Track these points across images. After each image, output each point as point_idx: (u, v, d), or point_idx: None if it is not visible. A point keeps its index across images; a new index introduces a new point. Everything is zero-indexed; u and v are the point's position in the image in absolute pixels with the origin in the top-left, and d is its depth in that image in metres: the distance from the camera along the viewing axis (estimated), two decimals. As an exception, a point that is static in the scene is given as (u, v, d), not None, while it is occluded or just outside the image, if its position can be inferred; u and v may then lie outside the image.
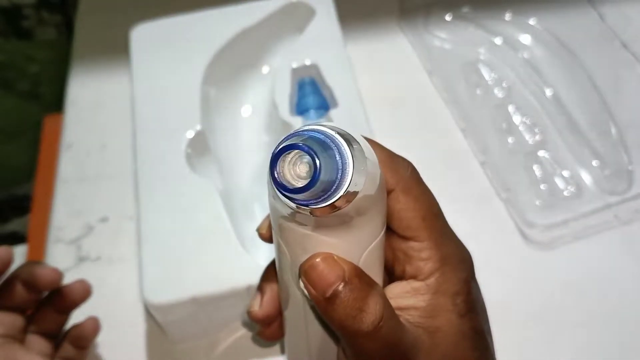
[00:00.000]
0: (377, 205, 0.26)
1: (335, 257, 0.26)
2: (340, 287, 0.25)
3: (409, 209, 0.28)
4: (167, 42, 0.54)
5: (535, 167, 0.51)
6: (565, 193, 0.49)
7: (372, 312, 0.26)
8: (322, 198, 0.23)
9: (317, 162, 0.22)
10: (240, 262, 0.41)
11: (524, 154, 0.52)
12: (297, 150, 0.22)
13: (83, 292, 0.40)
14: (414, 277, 0.28)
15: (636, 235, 0.48)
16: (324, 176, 0.22)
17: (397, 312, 0.27)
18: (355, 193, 0.23)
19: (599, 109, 0.54)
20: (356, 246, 0.27)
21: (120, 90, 0.59)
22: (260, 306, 0.31)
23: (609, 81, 0.56)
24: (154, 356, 0.45)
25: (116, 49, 0.61)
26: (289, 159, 0.23)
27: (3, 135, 0.98)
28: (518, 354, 0.43)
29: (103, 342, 0.45)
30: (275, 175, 0.22)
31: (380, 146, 0.28)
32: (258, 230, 0.32)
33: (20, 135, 0.97)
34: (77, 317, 0.42)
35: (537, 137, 0.53)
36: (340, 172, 0.23)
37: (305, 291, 0.26)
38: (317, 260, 0.26)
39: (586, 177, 0.50)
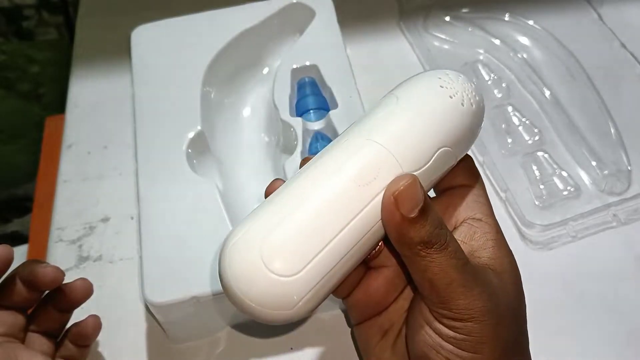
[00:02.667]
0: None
1: (419, 182, 0.28)
2: (421, 209, 0.28)
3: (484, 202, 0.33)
4: (167, 43, 0.54)
5: (534, 168, 0.51)
6: (564, 193, 0.50)
7: (444, 231, 0.29)
8: None
9: None
10: (240, 261, 0.41)
11: (523, 154, 0.52)
12: None
13: (84, 291, 0.40)
14: (470, 217, 0.32)
15: (635, 235, 0.48)
16: None
17: (468, 255, 0.30)
18: None
19: (598, 110, 0.54)
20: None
21: (121, 90, 0.59)
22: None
23: (608, 82, 0.56)
24: (155, 356, 0.45)
25: (117, 50, 0.61)
26: None
27: (4, 135, 0.98)
28: (517, 354, 0.43)
29: (104, 342, 0.45)
30: None
31: None
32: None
33: (22, 135, 0.97)
34: (78, 316, 0.42)
35: (536, 138, 0.53)
36: None
37: (388, 212, 0.27)
38: (406, 184, 0.28)
39: (585, 178, 0.51)
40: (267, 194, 0.31)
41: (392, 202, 0.27)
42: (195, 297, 0.40)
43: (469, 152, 0.33)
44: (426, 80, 0.32)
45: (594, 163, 0.51)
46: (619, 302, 0.45)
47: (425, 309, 0.30)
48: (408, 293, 0.34)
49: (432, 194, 0.34)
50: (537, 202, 0.49)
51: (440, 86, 0.31)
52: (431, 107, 0.30)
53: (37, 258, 0.41)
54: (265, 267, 0.26)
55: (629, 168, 0.50)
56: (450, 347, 0.29)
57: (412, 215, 0.27)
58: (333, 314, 0.46)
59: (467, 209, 0.32)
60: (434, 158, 0.29)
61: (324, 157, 0.29)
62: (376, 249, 0.31)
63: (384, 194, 0.28)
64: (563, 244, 0.48)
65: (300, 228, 0.27)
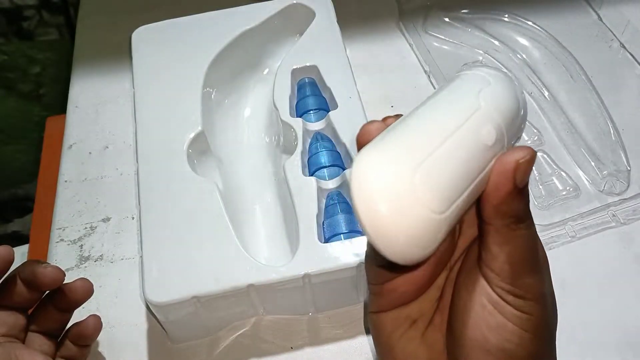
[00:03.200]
0: None
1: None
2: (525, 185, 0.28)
3: None
4: (168, 44, 0.54)
5: (534, 168, 0.51)
6: (563, 193, 0.50)
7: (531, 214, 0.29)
8: None
9: None
10: (240, 261, 0.41)
11: (522, 154, 0.52)
12: None
13: (85, 291, 0.40)
14: None
15: (634, 235, 0.48)
16: None
17: None
18: None
19: (597, 110, 0.54)
20: None
21: (122, 91, 0.59)
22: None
23: (608, 82, 0.56)
24: (155, 355, 0.45)
25: (117, 50, 0.61)
26: None
27: (5, 136, 0.98)
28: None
29: (104, 341, 0.45)
30: None
31: None
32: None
33: (22, 136, 0.98)
34: (78, 316, 0.42)
35: (535, 138, 0.53)
36: None
37: (504, 180, 0.27)
38: (527, 158, 0.27)
39: (584, 178, 0.51)
40: (371, 131, 0.30)
41: (513, 169, 0.27)
42: (195, 297, 0.40)
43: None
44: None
45: (593, 163, 0.51)
46: (619, 302, 0.45)
47: (487, 289, 0.29)
48: (440, 281, 0.32)
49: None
50: (536, 202, 0.49)
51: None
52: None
53: (37, 258, 0.41)
54: (419, 199, 0.24)
55: (628, 168, 0.50)
56: (512, 327, 0.29)
57: (522, 187, 0.27)
58: (332, 314, 0.46)
59: None
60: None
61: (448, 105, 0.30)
62: None
63: (507, 158, 0.27)
64: (562, 244, 0.48)
65: (447, 166, 0.26)
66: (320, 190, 0.44)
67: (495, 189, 0.27)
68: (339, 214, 0.44)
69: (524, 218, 0.28)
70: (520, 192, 0.27)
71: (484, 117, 0.28)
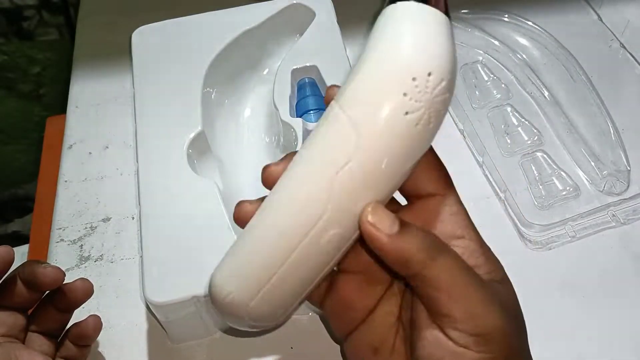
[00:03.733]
0: None
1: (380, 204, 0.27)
2: (400, 224, 0.27)
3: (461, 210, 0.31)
4: (168, 44, 0.54)
5: (534, 168, 0.51)
6: (563, 193, 0.50)
7: (438, 238, 0.28)
8: None
9: None
10: (240, 261, 0.41)
11: (522, 154, 0.52)
12: None
13: (85, 291, 0.40)
14: (452, 236, 0.30)
15: (634, 235, 0.48)
16: None
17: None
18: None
19: (597, 110, 0.54)
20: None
21: (122, 91, 0.59)
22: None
23: (607, 82, 0.56)
24: (155, 355, 0.45)
25: (118, 50, 0.61)
26: None
27: (5, 135, 0.98)
28: (516, 353, 0.43)
29: (104, 341, 0.45)
30: None
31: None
32: (267, 166, 0.33)
33: (23, 136, 0.98)
34: (78, 316, 0.42)
35: (536, 138, 0.53)
36: None
37: (372, 238, 0.27)
38: (373, 204, 0.27)
39: (584, 178, 0.51)
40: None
41: (372, 228, 0.27)
42: (195, 297, 0.40)
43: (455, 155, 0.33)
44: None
45: (593, 163, 0.51)
46: (619, 302, 0.45)
47: (443, 340, 0.28)
48: (390, 308, 0.32)
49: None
50: (536, 203, 0.49)
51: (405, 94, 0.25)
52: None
53: (38, 258, 0.42)
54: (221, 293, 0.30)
55: (628, 168, 0.50)
56: None
57: (395, 230, 0.27)
58: (333, 314, 0.46)
59: (444, 226, 0.30)
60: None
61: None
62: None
63: (361, 229, 0.27)
64: (562, 244, 0.48)
65: (283, 288, 0.29)
66: None
67: (380, 251, 0.27)
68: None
69: (431, 248, 0.27)
70: (400, 234, 0.27)
71: (329, 223, 0.27)
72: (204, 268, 0.41)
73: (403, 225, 0.27)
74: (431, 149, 0.30)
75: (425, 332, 0.29)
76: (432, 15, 0.25)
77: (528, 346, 0.32)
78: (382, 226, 0.27)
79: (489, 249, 0.31)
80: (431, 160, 0.30)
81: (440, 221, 0.30)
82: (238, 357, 0.44)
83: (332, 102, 0.27)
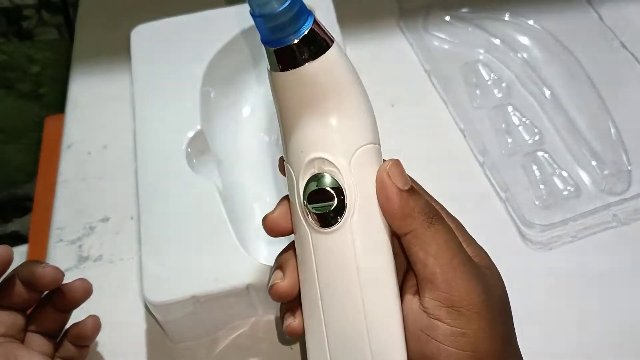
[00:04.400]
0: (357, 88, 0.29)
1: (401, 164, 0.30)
2: (411, 187, 0.30)
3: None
4: (167, 43, 0.54)
5: (534, 167, 0.51)
6: (564, 193, 0.50)
7: (434, 208, 0.30)
8: (286, 34, 0.27)
9: None
10: (239, 261, 0.41)
11: (523, 154, 0.52)
12: None
13: (84, 291, 0.40)
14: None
15: (635, 235, 0.48)
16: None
17: None
18: (321, 47, 0.27)
19: (598, 110, 0.54)
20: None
21: (121, 90, 0.59)
22: (284, 277, 0.32)
23: (608, 81, 0.56)
24: (154, 355, 0.45)
25: (117, 50, 0.61)
26: None
27: (4, 135, 0.98)
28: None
29: (104, 342, 0.45)
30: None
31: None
32: (265, 216, 0.33)
33: (21, 135, 0.97)
34: (77, 316, 0.42)
35: (536, 138, 0.53)
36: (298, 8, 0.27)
37: (387, 188, 0.29)
38: (392, 163, 0.29)
39: (585, 177, 0.51)
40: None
41: (387, 177, 0.29)
42: (194, 297, 0.40)
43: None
44: None
45: (594, 163, 0.51)
46: (619, 302, 0.45)
47: (419, 314, 0.29)
48: None
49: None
50: (537, 202, 0.49)
51: None
52: None
53: (37, 258, 0.41)
54: None
55: (629, 168, 0.50)
56: (449, 349, 0.28)
57: (407, 188, 0.29)
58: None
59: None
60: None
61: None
62: None
63: (377, 176, 0.29)
64: (563, 244, 0.48)
65: None
66: None
67: (386, 200, 0.29)
68: None
69: (433, 212, 0.29)
70: (410, 192, 0.29)
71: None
72: (202, 267, 0.41)
73: (414, 187, 0.30)
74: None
75: (405, 304, 0.30)
76: None
77: (514, 340, 0.31)
78: (397, 181, 0.29)
79: (474, 239, 0.33)
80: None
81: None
82: (237, 357, 0.44)
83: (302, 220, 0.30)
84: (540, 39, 0.60)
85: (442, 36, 0.61)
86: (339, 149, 0.29)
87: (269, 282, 0.32)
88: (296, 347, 0.44)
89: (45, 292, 0.40)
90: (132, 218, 0.51)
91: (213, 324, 0.44)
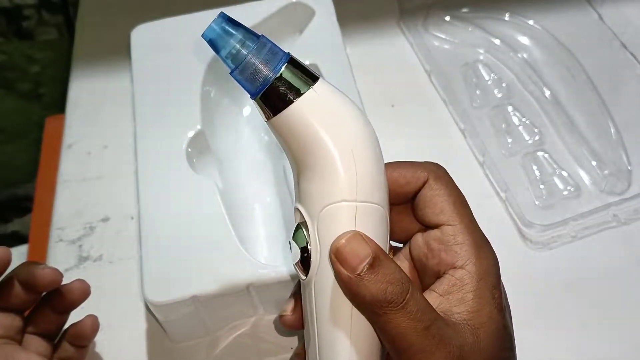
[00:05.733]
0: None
1: (362, 235, 0.27)
2: (369, 264, 0.27)
3: (440, 194, 0.30)
4: (167, 43, 0.54)
5: (534, 167, 0.51)
6: (564, 193, 0.49)
7: (401, 283, 0.27)
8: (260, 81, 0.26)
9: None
10: (240, 260, 0.41)
11: (523, 154, 0.52)
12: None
13: (82, 292, 0.40)
14: (451, 266, 0.29)
15: (635, 235, 0.48)
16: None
17: (447, 311, 0.28)
18: (297, 93, 0.26)
19: (598, 110, 0.54)
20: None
21: (121, 90, 0.59)
22: (293, 311, 0.32)
23: (608, 81, 0.56)
24: (155, 355, 0.45)
25: (117, 49, 0.61)
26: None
27: (4, 135, 0.98)
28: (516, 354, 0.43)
29: (104, 342, 0.45)
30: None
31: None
32: (282, 316, 0.33)
33: (22, 135, 0.97)
34: (77, 316, 0.42)
35: (536, 138, 0.53)
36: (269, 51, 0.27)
37: (335, 269, 0.27)
38: (346, 238, 0.27)
39: (585, 177, 0.51)
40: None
41: (335, 261, 0.27)
42: (195, 296, 0.40)
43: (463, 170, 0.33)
44: None
45: (594, 163, 0.51)
46: (619, 302, 0.45)
47: None
48: None
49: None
50: (537, 202, 0.49)
51: None
52: None
53: (37, 258, 0.41)
54: None
55: (629, 168, 0.50)
56: None
57: (359, 272, 0.26)
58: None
59: (448, 255, 0.29)
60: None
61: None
62: None
63: (329, 254, 0.27)
64: (563, 244, 0.48)
65: None
66: None
67: (339, 282, 0.27)
68: None
69: (388, 299, 0.26)
70: (363, 277, 0.26)
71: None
72: (203, 267, 0.41)
73: (375, 262, 0.27)
74: (447, 181, 0.31)
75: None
76: None
77: None
78: (346, 265, 0.27)
79: (487, 289, 0.29)
80: (442, 193, 0.30)
81: (445, 250, 0.30)
82: (238, 357, 0.44)
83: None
84: (540, 39, 0.60)
85: (442, 36, 0.61)
86: (310, 203, 0.28)
87: (285, 304, 0.33)
88: (296, 347, 0.44)
89: (43, 294, 0.40)
90: (132, 218, 0.51)
91: (213, 324, 0.44)
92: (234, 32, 0.27)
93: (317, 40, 0.53)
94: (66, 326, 0.42)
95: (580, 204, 0.49)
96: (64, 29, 0.96)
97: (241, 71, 0.27)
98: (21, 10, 0.95)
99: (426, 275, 0.31)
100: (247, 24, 0.53)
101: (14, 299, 0.38)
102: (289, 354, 0.44)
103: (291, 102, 0.27)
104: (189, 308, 0.41)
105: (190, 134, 0.48)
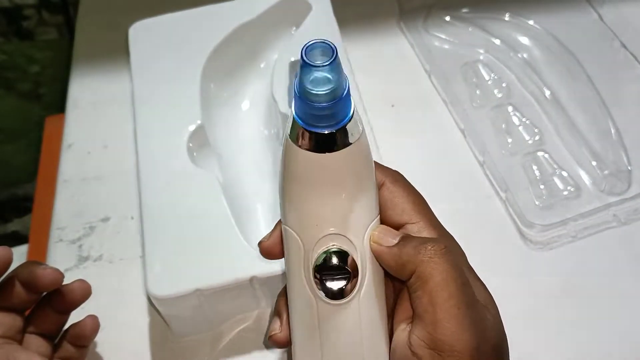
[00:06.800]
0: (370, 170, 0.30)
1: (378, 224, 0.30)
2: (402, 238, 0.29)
3: (400, 195, 0.31)
4: (165, 39, 0.54)
5: (535, 167, 0.51)
6: (564, 193, 0.49)
7: (427, 245, 0.29)
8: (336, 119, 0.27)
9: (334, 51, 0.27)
10: (243, 253, 0.41)
11: (523, 154, 0.52)
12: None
13: (83, 292, 0.40)
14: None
15: (635, 235, 0.48)
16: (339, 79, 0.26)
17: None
18: (354, 135, 0.27)
19: (598, 110, 0.54)
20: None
21: (121, 90, 0.59)
22: (281, 329, 0.32)
23: (608, 81, 0.56)
24: (158, 351, 0.45)
25: (117, 49, 0.61)
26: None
27: (4, 135, 0.98)
28: (516, 354, 0.43)
29: (103, 342, 0.45)
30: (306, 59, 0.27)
31: None
32: (261, 242, 0.33)
33: (22, 135, 0.97)
34: (77, 316, 0.42)
35: (536, 138, 0.53)
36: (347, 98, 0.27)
37: (375, 244, 0.30)
38: (378, 225, 0.30)
39: (585, 178, 0.51)
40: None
41: (375, 244, 0.30)
42: (198, 290, 0.40)
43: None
44: None
45: (594, 163, 0.51)
46: (619, 302, 0.45)
47: (406, 348, 0.28)
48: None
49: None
50: (537, 202, 0.49)
51: None
52: None
53: (37, 258, 0.41)
54: None
55: (629, 168, 0.50)
56: None
57: (395, 242, 0.29)
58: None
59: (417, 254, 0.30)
60: None
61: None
62: None
63: (370, 246, 0.30)
64: (563, 244, 0.48)
65: None
66: None
67: (382, 260, 0.30)
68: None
69: (430, 248, 0.28)
70: (399, 245, 0.29)
71: None
72: (206, 261, 0.41)
73: (405, 236, 0.30)
74: (404, 183, 0.32)
75: (397, 332, 0.30)
76: None
77: None
78: (384, 241, 0.30)
79: (474, 271, 0.31)
80: (400, 194, 0.32)
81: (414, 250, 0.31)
82: (242, 350, 0.44)
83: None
84: (540, 39, 0.60)
85: (442, 36, 0.61)
86: (355, 227, 0.29)
87: (268, 327, 0.34)
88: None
89: (44, 294, 0.40)
90: (132, 218, 0.51)
91: (217, 317, 0.45)
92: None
93: (314, 34, 0.52)
94: (66, 326, 0.42)
95: (580, 204, 0.49)
96: (64, 29, 0.96)
97: (318, 109, 0.27)
98: (21, 10, 0.95)
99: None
100: (244, 19, 0.54)
101: (14, 298, 0.38)
102: (289, 354, 0.44)
103: (355, 139, 0.28)
104: (193, 302, 0.41)
105: (192, 128, 0.48)
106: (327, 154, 0.27)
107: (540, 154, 0.52)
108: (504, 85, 0.57)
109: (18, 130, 0.97)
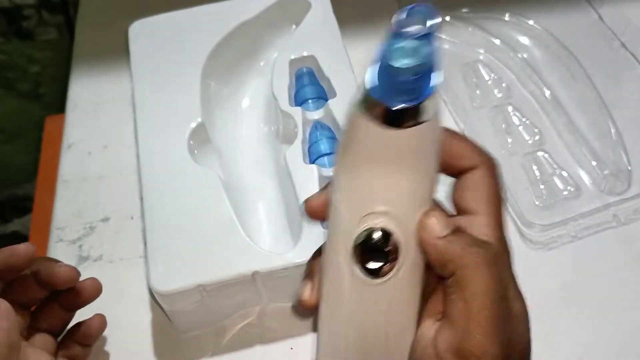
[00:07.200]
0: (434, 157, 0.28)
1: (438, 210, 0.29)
2: (453, 230, 0.28)
3: (485, 184, 0.30)
4: (165, 38, 0.54)
5: (535, 167, 0.51)
6: (564, 193, 0.50)
7: (476, 248, 0.28)
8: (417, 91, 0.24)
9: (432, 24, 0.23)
10: (245, 248, 0.41)
11: (523, 154, 0.52)
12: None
13: (94, 290, 0.40)
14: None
15: (635, 235, 0.48)
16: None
17: None
18: (431, 111, 0.25)
19: (598, 110, 0.54)
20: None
21: (121, 90, 0.59)
22: (312, 293, 0.31)
23: (608, 81, 0.56)
24: (161, 347, 0.45)
25: (117, 49, 0.61)
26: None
27: (4, 135, 0.98)
28: (517, 353, 0.43)
29: (106, 341, 0.45)
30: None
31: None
32: (307, 200, 0.31)
33: (22, 135, 0.97)
34: (78, 315, 0.42)
35: (536, 138, 0.53)
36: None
37: (423, 232, 0.28)
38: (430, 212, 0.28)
39: (585, 178, 0.51)
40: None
41: (424, 232, 0.28)
42: (201, 285, 0.40)
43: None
44: None
45: (594, 163, 0.51)
46: (619, 302, 0.45)
47: (431, 347, 0.28)
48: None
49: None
50: (537, 202, 0.49)
51: None
52: None
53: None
54: None
55: (629, 168, 0.50)
56: None
57: (445, 233, 0.28)
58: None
59: (464, 201, 0.30)
60: None
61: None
62: None
63: (418, 230, 0.28)
64: (563, 244, 0.48)
65: None
66: (321, 177, 0.45)
67: (427, 250, 0.28)
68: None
69: (476, 253, 0.27)
70: (448, 238, 0.28)
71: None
72: (208, 256, 0.41)
73: (457, 229, 0.28)
74: (497, 175, 0.31)
75: (424, 326, 0.29)
76: None
77: None
78: (435, 230, 0.28)
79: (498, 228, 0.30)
80: (489, 182, 0.31)
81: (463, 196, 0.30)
82: (245, 345, 0.44)
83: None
84: (540, 39, 0.60)
85: (442, 36, 0.61)
86: (407, 210, 0.28)
87: (300, 288, 0.32)
88: (296, 347, 0.44)
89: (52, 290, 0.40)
90: (132, 218, 0.51)
91: (219, 313, 0.45)
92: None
93: (314, 32, 0.53)
94: (71, 324, 0.42)
95: (580, 204, 0.49)
96: (64, 29, 0.96)
97: (401, 75, 0.25)
98: (21, 10, 0.95)
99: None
100: (244, 17, 0.55)
101: (26, 294, 0.38)
102: (297, 342, 0.44)
103: (430, 116, 0.26)
104: (195, 297, 0.41)
105: (192, 125, 0.48)
106: (395, 129, 0.26)
107: (540, 154, 0.52)
108: (504, 85, 0.57)
109: (18, 130, 0.98)
